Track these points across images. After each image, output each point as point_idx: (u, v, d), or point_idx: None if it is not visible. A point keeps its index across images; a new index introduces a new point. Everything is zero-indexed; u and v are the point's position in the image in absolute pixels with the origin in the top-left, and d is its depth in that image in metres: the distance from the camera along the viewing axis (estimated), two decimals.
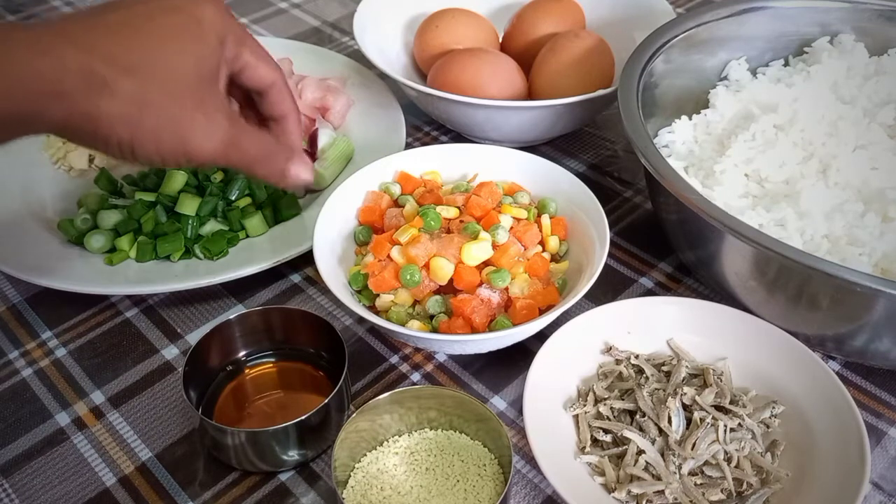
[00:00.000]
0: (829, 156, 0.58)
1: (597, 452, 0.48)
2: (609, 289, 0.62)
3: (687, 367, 0.51)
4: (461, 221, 0.56)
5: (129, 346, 0.59)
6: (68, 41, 0.40)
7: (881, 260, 0.53)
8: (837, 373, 0.55)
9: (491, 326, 0.52)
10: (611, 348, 0.53)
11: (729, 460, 0.47)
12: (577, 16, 0.79)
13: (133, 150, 0.44)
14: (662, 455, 0.47)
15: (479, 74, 0.70)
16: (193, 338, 0.59)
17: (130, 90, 0.42)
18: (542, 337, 0.52)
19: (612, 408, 0.50)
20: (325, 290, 0.62)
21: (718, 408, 0.49)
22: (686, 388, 0.49)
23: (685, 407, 0.49)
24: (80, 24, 0.41)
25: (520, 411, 0.53)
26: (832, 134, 0.60)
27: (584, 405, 0.50)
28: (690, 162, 0.62)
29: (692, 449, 0.47)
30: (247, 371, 0.55)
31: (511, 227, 0.56)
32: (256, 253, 0.62)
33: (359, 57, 0.80)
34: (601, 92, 0.67)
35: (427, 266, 0.53)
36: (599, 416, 0.50)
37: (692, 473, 0.47)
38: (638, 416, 0.49)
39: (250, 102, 0.52)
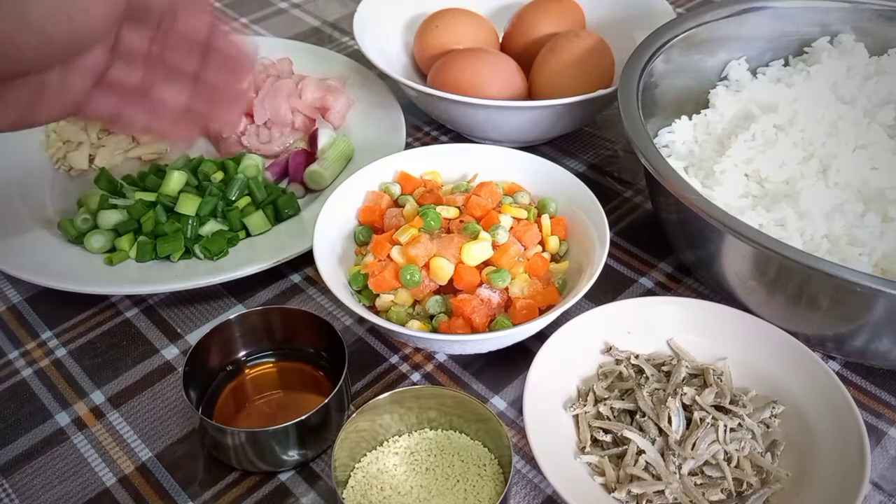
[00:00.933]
0: (829, 156, 0.58)
1: (597, 452, 0.48)
2: (609, 289, 0.62)
3: (687, 367, 0.51)
4: (461, 221, 0.56)
5: (129, 346, 0.59)
6: None
7: (881, 260, 0.53)
8: (837, 373, 0.55)
9: (491, 326, 0.52)
10: (611, 348, 0.53)
11: (729, 460, 0.47)
12: (577, 16, 0.79)
13: (26, 20, 0.38)
14: (662, 455, 0.47)
15: (479, 74, 0.70)
16: (193, 338, 0.59)
17: None
18: (542, 337, 0.52)
19: (612, 408, 0.50)
20: (325, 290, 0.62)
21: (718, 408, 0.49)
22: (686, 388, 0.49)
23: (685, 407, 0.49)
24: None
25: (520, 411, 0.53)
26: (832, 134, 0.60)
27: (584, 405, 0.50)
28: (690, 162, 0.62)
29: (692, 449, 0.47)
30: (247, 371, 0.55)
31: (511, 227, 0.56)
32: (256, 253, 0.62)
33: (359, 57, 0.80)
34: (601, 92, 0.67)
35: (427, 266, 0.53)
36: (599, 416, 0.50)
37: (692, 473, 0.47)
38: (638, 416, 0.49)
39: None
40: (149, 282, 0.59)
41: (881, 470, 0.51)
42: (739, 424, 0.48)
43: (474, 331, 0.52)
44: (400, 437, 0.50)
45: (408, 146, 0.74)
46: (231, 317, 0.53)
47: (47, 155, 0.73)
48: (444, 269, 0.53)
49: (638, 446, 0.47)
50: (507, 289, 0.53)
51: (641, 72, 0.62)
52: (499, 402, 0.55)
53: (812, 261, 0.46)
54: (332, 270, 0.55)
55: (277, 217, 0.66)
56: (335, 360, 0.53)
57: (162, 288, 0.59)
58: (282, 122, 0.74)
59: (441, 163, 0.64)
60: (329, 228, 0.58)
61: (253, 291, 0.63)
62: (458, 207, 0.58)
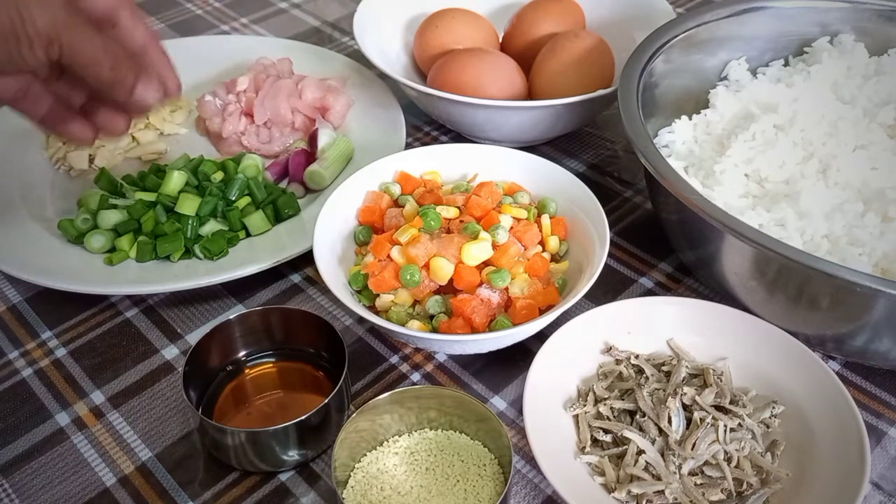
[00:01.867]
0: (829, 156, 0.58)
1: (597, 452, 0.48)
2: (609, 289, 0.62)
3: (687, 367, 0.51)
4: (461, 221, 0.56)
5: (129, 346, 0.59)
6: None
7: (881, 260, 0.53)
8: (837, 373, 0.55)
9: (491, 326, 0.52)
10: (611, 348, 0.53)
11: (729, 460, 0.47)
12: (577, 16, 0.79)
13: None
14: (662, 455, 0.47)
15: (480, 74, 0.70)
16: (193, 338, 0.59)
17: None
18: (542, 337, 0.52)
19: (612, 408, 0.50)
20: (325, 290, 0.62)
21: (718, 408, 0.49)
22: (686, 388, 0.49)
23: (685, 407, 0.49)
24: None
25: (520, 411, 0.53)
26: (832, 134, 0.60)
27: (584, 405, 0.50)
28: (690, 162, 0.62)
29: (692, 449, 0.47)
30: (247, 371, 0.55)
31: (511, 227, 0.56)
32: (256, 253, 0.62)
33: (359, 57, 0.80)
34: (601, 92, 0.67)
35: (427, 266, 0.53)
36: (599, 416, 0.50)
37: (692, 473, 0.47)
38: (638, 416, 0.49)
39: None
40: (149, 282, 0.59)
41: (881, 470, 0.51)
42: (739, 424, 0.48)
43: (474, 331, 0.52)
44: (400, 437, 0.50)
45: (408, 146, 0.74)
46: (231, 317, 0.53)
47: (47, 155, 0.73)
48: (444, 269, 0.53)
49: (638, 446, 0.47)
50: (507, 289, 0.53)
51: (641, 72, 0.62)
52: (499, 402, 0.55)
53: (812, 261, 0.46)
54: (332, 270, 0.55)
55: (277, 217, 0.66)
56: (335, 360, 0.53)
57: (162, 288, 0.59)
58: (282, 122, 0.74)
59: (441, 163, 0.64)
60: (329, 228, 0.58)
61: (253, 291, 0.63)
62: (458, 207, 0.58)
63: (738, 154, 0.59)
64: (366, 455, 0.49)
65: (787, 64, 0.71)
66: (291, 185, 0.69)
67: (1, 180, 0.68)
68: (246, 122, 0.74)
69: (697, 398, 0.49)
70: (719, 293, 0.59)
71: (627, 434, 0.47)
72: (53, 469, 0.51)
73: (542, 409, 0.48)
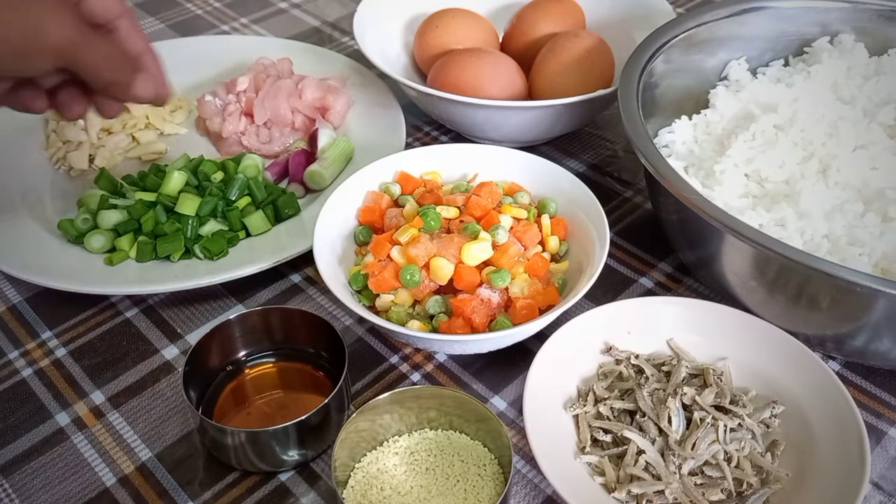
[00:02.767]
0: (829, 156, 0.58)
1: (597, 452, 0.48)
2: (609, 289, 0.62)
3: (687, 367, 0.51)
4: (461, 221, 0.56)
5: (129, 346, 0.59)
6: None
7: (881, 260, 0.53)
8: (837, 373, 0.55)
9: (491, 326, 0.52)
10: (611, 348, 0.53)
11: (729, 460, 0.47)
12: (577, 16, 0.79)
13: None
14: (662, 455, 0.47)
15: (480, 74, 0.70)
16: (193, 338, 0.59)
17: None
18: (542, 337, 0.52)
19: (612, 408, 0.50)
20: (325, 290, 0.62)
21: (718, 408, 0.49)
22: (686, 388, 0.49)
23: (685, 407, 0.49)
24: None
25: (520, 411, 0.53)
26: (832, 134, 0.60)
27: (584, 405, 0.50)
28: (690, 162, 0.62)
29: (692, 449, 0.47)
30: (247, 371, 0.55)
31: (511, 227, 0.56)
32: (256, 253, 0.62)
33: (359, 57, 0.80)
34: (601, 92, 0.67)
35: (427, 266, 0.53)
36: (599, 416, 0.50)
37: (692, 473, 0.47)
38: (638, 416, 0.49)
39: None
40: (149, 282, 0.59)
41: (881, 470, 0.51)
42: (739, 424, 0.48)
43: (474, 331, 0.52)
44: (400, 437, 0.50)
45: (408, 146, 0.74)
46: (231, 317, 0.53)
47: (47, 155, 0.73)
48: (444, 269, 0.53)
49: (638, 446, 0.47)
50: (507, 289, 0.53)
51: (641, 72, 0.62)
52: (499, 402, 0.55)
53: (812, 261, 0.46)
54: (332, 270, 0.55)
55: (277, 217, 0.66)
56: (335, 360, 0.53)
57: (162, 288, 0.59)
58: (282, 122, 0.74)
59: (441, 163, 0.64)
60: (329, 228, 0.58)
61: (253, 291, 0.63)
62: (458, 207, 0.58)
63: (738, 154, 0.59)
64: (366, 455, 0.49)
65: (787, 64, 0.71)
66: (291, 185, 0.69)
67: (1, 180, 0.68)
68: (246, 122, 0.74)
69: (697, 398, 0.49)
70: (719, 293, 0.59)
71: (627, 434, 0.47)
72: (53, 469, 0.51)
73: (542, 409, 0.48)
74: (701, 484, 0.46)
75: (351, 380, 0.56)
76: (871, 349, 0.52)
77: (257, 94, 0.74)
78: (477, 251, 0.53)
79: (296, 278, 0.64)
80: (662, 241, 0.64)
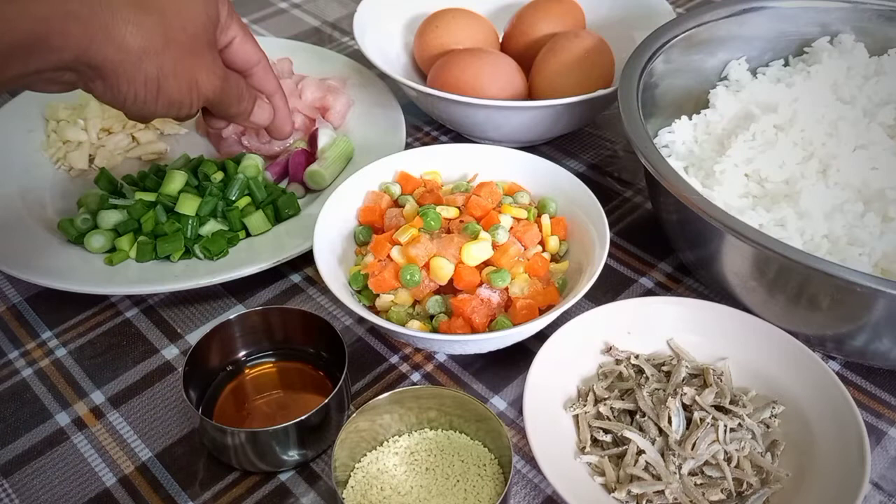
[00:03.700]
0: (829, 156, 0.58)
1: (597, 452, 0.48)
2: (609, 289, 0.62)
3: (687, 367, 0.51)
4: (461, 221, 0.56)
5: (129, 346, 0.59)
6: None
7: (881, 260, 0.53)
8: (837, 373, 0.55)
9: (491, 326, 0.52)
10: (611, 348, 0.53)
11: (729, 460, 0.47)
12: (577, 16, 0.79)
13: (159, 88, 0.47)
14: (662, 455, 0.47)
15: (480, 74, 0.70)
16: (193, 338, 0.59)
17: (153, 25, 0.45)
18: (542, 337, 0.52)
19: (612, 408, 0.50)
20: (325, 290, 0.62)
21: (718, 408, 0.49)
22: (686, 388, 0.49)
23: (685, 407, 0.49)
24: None
25: (520, 411, 0.53)
26: (832, 134, 0.60)
27: (584, 405, 0.50)
28: (690, 162, 0.62)
29: (692, 449, 0.47)
30: (247, 371, 0.55)
31: (511, 227, 0.56)
32: (256, 253, 0.62)
33: (359, 57, 0.80)
34: (601, 92, 0.67)
35: (427, 266, 0.53)
36: (599, 416, 0.50)
37: (692, 473, 0.47)
38: (638, 416, 0.49)
39: None
40: (149, 282, 0.59)
41: (881, 470, 0.51)
42: (739, 424, 0.48)
43: (474, 331, 0.52)
44: (400, 437, 0.50)
45: (408, 146, 0.74)
46: (231, 317, 0.53)
47: (47, 155, 0.73)
48: (444, 269, 0.53)
49: (638, 446, 0.47)
50: (507, 289, 0.53)
51: (641, 72, 0.62)
52: (499, 402, 0.55)
53: (812, 261, 0.46)
54: (332, 270, 0.55)
55: (277, 217, 0.66)
56: (335, 360, 0.53)
57: (162, 288, 0.59)
58: None
59: (441, 163, 0.64)
60: (329, 228, 0.58)
61: (253, 291, 0.63)
62: (458, 207, 0.58)
63: (738, 154, 0.59)
64: (366, 455, 0.49)
65: (787, 64, 0.71)
66: (291, 185, 0.69)
67: (1, 180, 0.68)
68: None
69: (697, 398, 0.49)
70: (719, 293, 0.59)
71: (627, 434, 0.47)
72: (53, 469, 0.51)
73: (542, 409, 0.48)
74: (701, 484, 0.46)
75: (351, 380, 0.56)
76: (871, 349, 0.52)
77: None
78: (477, 251, 0.53)
79: (296, 278, 0.64)
80: (662, 241, 0.64)
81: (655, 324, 0.54)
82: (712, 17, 0.68)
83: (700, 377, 0.51)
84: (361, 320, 0.60)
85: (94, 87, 0.46)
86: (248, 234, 0.64)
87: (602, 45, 0.73)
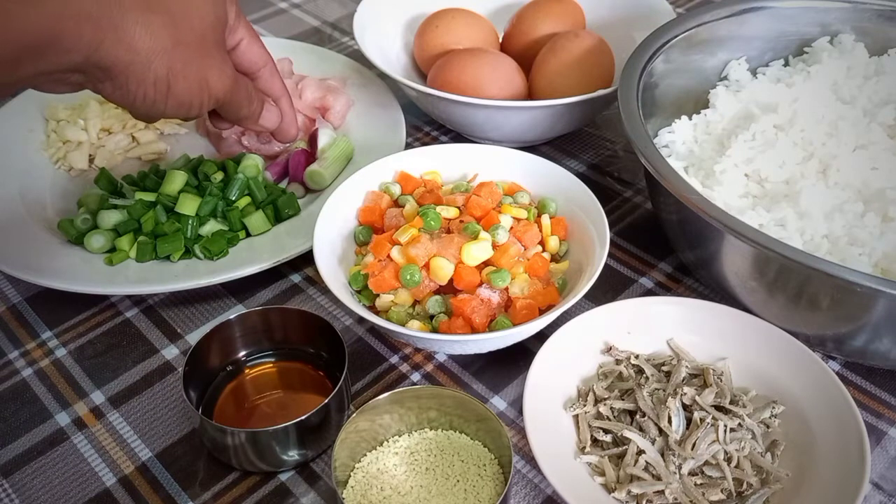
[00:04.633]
0: (829, 156, 0.58)
1: (597, 452, 0.48)
2: (609, 289, 0.62)
3: (687, 367, 0.51)
4: (461, 221, 0.56)
5: (129, 346, 0.59)
6: None
7: (881, 260, 0.53)
8: (837, 373, 0.55)
9: (491, 326, 0.52)
10: (611, 348, 0.53)
11: (729, 460, 0.47)
12: (577, 16, 0.79)
13: (168, 88, 0.47)
14: (662, 455, 0.47)
15: (479, 74, 0.70)
16: (193, 338, 0.59)
17: (162, 25, 0.45)
18: (542, 337, 0.52)
19: (612, 408, 0.50)
20: (325, 290, 0.62)
21: (718, 408, 0.49)
22: (686, 388, 0.49)
23: (685, 407, 0.49)
24: None
25: (520, 411, 0.53)
26: (832, 134, 0.60)
27: (584, 405, 0.50)
28: (690, 162, 0.62)
29: (692, 449, 0.47)
30: (247, 371, 0.55)
31: (511, 227, 0.56)
32: (256, 253, 0.62)
33: (359, 57, 0.80)
34: (601, 92, 0.67)
35: (427, 266, 0.53)
36: (599, 416, 0.50)
37: (692, 473, 0.47)
38: (638, 416, 0.49)
39: None
40: (149, 282, 0.59)
41: (881, 470, 0.51)
42: (739, 424, 0.48)
43: (474, 331, 0.52)
44: (400, 437, 0.50)
45: (408, 146, 0.74)
46: (231, 317, 0.53)
47: (47, 155, 0.73)
48: (444, 269, 0.53)
49: (638, 446, 0.47)
50: (507, 289, 0.53)
51: (641, 72, 0.62)
52: (499, 402, 0.55)
53: (812, 261, 0.46)
54: (332, 270, 0.55)
55: (277, 217, 0.66)
56: (335, 360, 0.53)
57: (162, 288, 0.59)
58: None
59: (441, 163, 0.64)
60: (329, 228, 0.58)
61: (253, 291, 0.63)
62: (458, 207, 0.58)
63: (738, 154, 0.59)
64: (366, 455, 0.49)
65: (787, 64, 0.71)
66: (291, 185, 0.69)
67: (1, 180, 0.68)
68: None
69: (697, 398, 0.49)
70: (719, 293, 0.59)
71: (627, 434, 0.47)
72: (53, 469, 0.51)
73: (542, 409, 0.48)
74: (701, 484, 0.46)
75: (351, 380, 0.56)
76: (871, 349, 0.52)
77: None
78: (477, 251, 0.53)
79: (296, 278, 0.64)
80: (662, 241, 0.64)
81: (655, 324, 0.54)
82: (712, 17, 0.68)
83: (700, 377, 0.51)
84: (361, 320, 0.60)
85: (102, 88, 0.46)
86: (248, 234, 0.64)
87: (602, 45, 0.73)
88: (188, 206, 0.62)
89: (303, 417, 0.47)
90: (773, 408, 0.50)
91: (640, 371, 0.52)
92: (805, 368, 0.50)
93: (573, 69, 0.71)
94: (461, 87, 0.69)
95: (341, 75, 0.80)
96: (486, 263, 0.54)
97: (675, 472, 0.46)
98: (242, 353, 0.55)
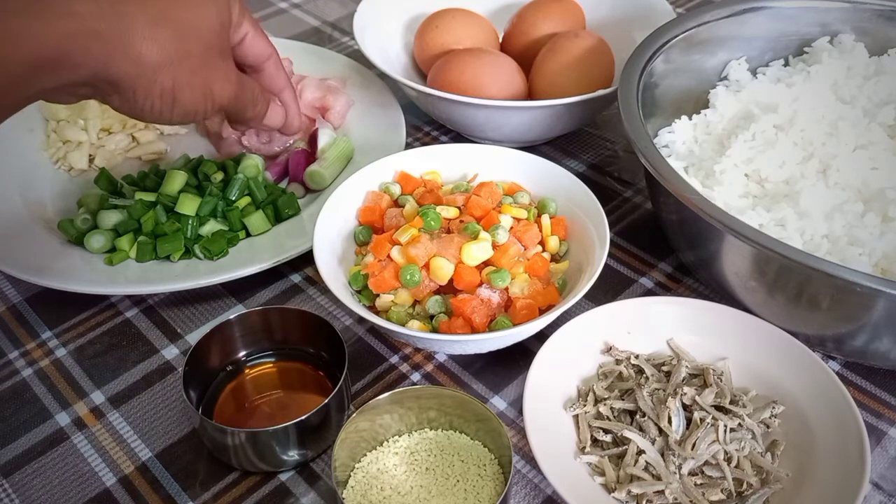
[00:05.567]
0: (829, 156, 0.58)
1: (597, 452, 0.48)
2: (609, 289, 0.62)
3: (687, 367, 0.51)
4: (461, 221, 0.56)
5: (129, 346, 0.59)
6: None
7: (881, 260, 0.53)
8: (837, 373, 0.55)
9: (491, 326, 0.52)
10: (611, 348, 0.53)
11: (729, 460, 0.47)
12: (577, 16, 0.79)
13: (174, 99, 0.47)
14: (662, 455, 0.47)
15: (480, 74, 0.70)
16: (193, 338, 0.59)
17: (168, 39, 0.45)
18: (542, 337, 0.52)
19: (612, 408, 0.50)
20: (325, 290, 0.62)
21: (718, 408, 0.49)
22: (686, 388, 0.49)
23: (685, 407, 0.49)
24: None
25: (520, 411, 0.53)
26: (832, 134, 0.60)
27: (584, 405, 0.50)
28: (690, 162, 0.62)
29: (692, 449, 0.47)
30: (247, 371, 0.55)
31: (511, 227, 0.56)
32: (256, 253, 0.62)
33: (359, 57, 0.80)
34: (601, 92, 0.67)
35: (427, 266, 0.53)
36: (599, 416, 0.50)
37: (692, 473, 0.47)
38: (638, 416, 0.49)
39: None
40: (149, 282, 0.59)
41: (881, 470, 0.51)
42: (739, 424, 0.48)
43: (474, 331, 0.52)
44: (400, 437, 0.50)
45: (408, 146, 0.74)
46: (231, 317, 0.53)
47: (47, 155, 0.73)
48: (444, 269, 0.53)
49: (638, 446, 0.47)
50: (507, 289, 0.53)
51: (641, 72, 0.62)
52: (499, 402, 0.55)
53: (812, 261, 0.46)
54: (332, 270, 0.55)
55: (277, 217, 0.66)
56: (335, 360, 0.53)
57: (162, 288, 0.59)
58: None
59: (441, 163, 0.64)
60: (329, 228, 0.58)
61: (253, 291, 0.63)
62: (458, 207, 0.58)
63: (738, 154, 0.59)
64: (366, 455, 0.49)
65: (787, 64, 0.71)
66: (291, 185, 0.69)
67: (1, 180, 0.68)
68: None
69: (697, 398, 0.49)
70: (719, 293, 0.59)
71: (627, 434, 0.47)
72: (53, 469, 0.51)
73: (542, 409, 0.48)
74: (701, 484, 0.46)
75: (351, 380, 0.56)
76: (871, 349, 0.52)
77: None
78: (477, 251, 0.53)
79: (296, 278, 0.64)
80: (662, 241, 0.64)
81: (655, 324, 0.54)
82: (712, 17, 0.68)
83: (700, 377, 0.51)
84: (361, 320, 0.60)
85: (110, 100, 0.47)
86: (248, 234, 0.64)
87: (602, 45, 0.73)
88: (188, 206, 0.62)
89: (303, 417, 0.47)
90: (773, 408, 0.50)
91: (640, 371, 0.52)
92: (805, 368, 0.50)
93: (573, 69, 0.71)
94: (461, 87, 0.69)
95: (341, 75, 0.80)
96: (486, 263, 0.54)
97: (675, 472, 0.46)
98: (242, 353, 0.55)
